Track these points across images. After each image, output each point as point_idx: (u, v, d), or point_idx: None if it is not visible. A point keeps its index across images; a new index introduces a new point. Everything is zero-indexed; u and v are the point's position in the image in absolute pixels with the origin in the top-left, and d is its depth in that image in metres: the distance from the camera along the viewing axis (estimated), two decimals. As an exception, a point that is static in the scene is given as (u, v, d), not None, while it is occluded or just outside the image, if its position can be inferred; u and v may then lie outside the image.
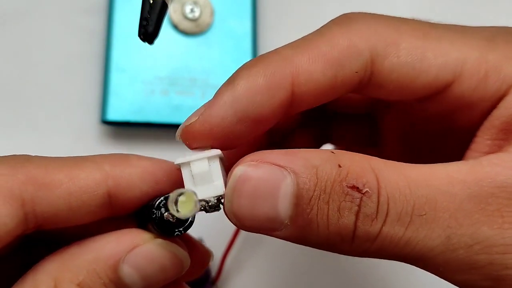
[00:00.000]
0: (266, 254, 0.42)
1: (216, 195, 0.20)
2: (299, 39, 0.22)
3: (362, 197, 0.19)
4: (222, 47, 0.43)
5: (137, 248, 0.20)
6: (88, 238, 0.21)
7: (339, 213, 0.19)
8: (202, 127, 0.21)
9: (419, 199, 0.19)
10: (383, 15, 0.23)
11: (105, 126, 0.41)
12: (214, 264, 0.39)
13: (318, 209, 0.19)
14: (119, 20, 0.42)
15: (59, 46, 0.43)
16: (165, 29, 0.41)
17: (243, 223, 0.20)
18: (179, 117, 0.40)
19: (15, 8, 0.43)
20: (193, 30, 0.42)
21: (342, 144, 0.33)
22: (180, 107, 0.40)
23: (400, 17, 0.23)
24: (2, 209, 0.19)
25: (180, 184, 0.21)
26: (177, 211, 0.19)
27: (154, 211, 0.21)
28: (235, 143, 0.22)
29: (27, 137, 0.41)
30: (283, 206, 0.19)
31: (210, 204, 0.20)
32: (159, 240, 0.21)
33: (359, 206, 0.19)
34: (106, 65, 0.41)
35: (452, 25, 0.23)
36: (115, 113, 0.39)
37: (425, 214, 0.19)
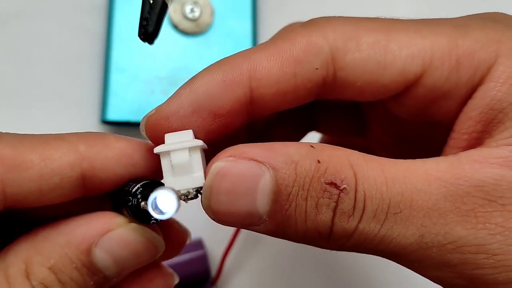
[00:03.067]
0: (266, 254, 0.42)
1: (195, 187, 0.20)
2: (264, 42, 0.22)
3: (339, 193, 0.19)
4: (222, 47, 0.43)
5: (110, 232, 0.20)
6: (61, 220, 0.21)
7: (317, 209, 0.19)
8: (159, 116, 0.21)
9: (394, 197, 0.19)
10: (347, 17, 0.22)
11: (105, 126, 0.41)
12: (214, 264, 0.39)
13: (296, 205, 0.19)
14: (119, 20, 0.42)
15: (59, 46, 0.43)
16: (165, 29, 0.41)
17: (221, 218, 0.20)
18: (179, 117, 0.40)
19: (15, 8, 0.43)
20: (193, 30, 0.42)
21: (328, 132, 0.32)
22: (180, 107, 0.40)
23: (363, 17, 0.22)
24: None
25: (158, 170, 0.21)
26: (157, 211, 0.19)
27: (130, 198, 0.20)
28: (195, 136, 0.21)
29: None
30: (262, 202, 0.19)
31: (189, 196, 0.20)
32: (133, 225, 0.21)
33: (337, 202, 0.19)
34: (106, 65, 0.41)
35: (422, 18, 0.22)
36: (115, 113, 0.39)
37: (400, 212, 0.19)
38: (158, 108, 0.21)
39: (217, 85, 0.21)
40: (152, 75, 0.41)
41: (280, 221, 0.19)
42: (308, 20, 0.22)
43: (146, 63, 0.41)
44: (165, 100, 0.21)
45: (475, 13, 0.23)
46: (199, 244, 0.39)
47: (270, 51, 0.21)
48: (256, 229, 0.20)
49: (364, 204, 0.19)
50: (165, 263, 0.37)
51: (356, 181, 0.19)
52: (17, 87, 0.42)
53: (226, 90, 0.21)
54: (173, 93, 0.21)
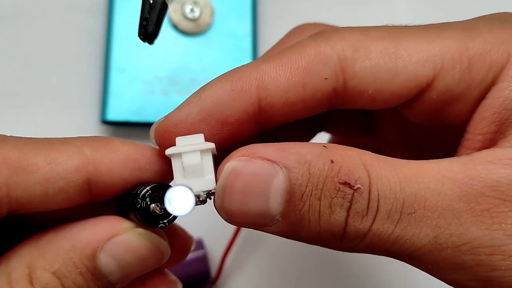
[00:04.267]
0: (266, 254, 0.42)
1: (207, 190, 0.20)
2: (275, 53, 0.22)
3: (353, 193, 0.19)
4: (222, 47, 0.42)
5: (116, 237, 0.20)
6: (65, 224, 0.20)
7: (331, 209, 0.19)
8: (168, 123, 0.21)
9: (408, 197, 0.19)
10: (355, 26, 0.22)
11: (105, 126, 0.41)
12: (214, 264, 0.39)
13: (310, 205, 0.19)
14: (119, 20, 0.42)
15: (59, 46, 0.43)
16: (165, 29, 0.41)
17: (234, 218, 0.20)
18: (179, 117, 0.40)
19: (15, 8, 0.43)
20: (193, 30, 0.42)
21: (338, 133, 0.32)
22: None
23: (371, 26, 0.22)
24: None
25: (165, 173, 0.21)
26: (173, 208, 0.18)
27: (138, 201, 0.20)
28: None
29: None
30: (275, 202, 0.19)
31: (200, 199, 0.20)
32: (140, 230, 0.20)
33: (351, 202, 0.19)
34: (106, 65, 0.41)
35: (429, 24, 0.22)
36: (115, 113, 0.39)
37: (414, 213, 0.19)
38: (168, 116, 0.21)
39: (226, 94, 0.21)
40: (152, 75, 0.41)
41: (293, 221, 0.19)
42: (317, 32, 0.22)
43: (146, 63, 0.41)
44: (175, 108, 0.22)
45: (472, 11, 0.23)
46: (199, 244, 0.39)
47: (278, 61, 0.21)
48: (269, 229, 0.20)
49: (378, 204, 0.19)
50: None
51: (370, 181, 0.19)
52: (17, 87, 0.42)
53: (234, 99, 0.21)
54: (182, 101, 0.22)
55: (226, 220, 0.20)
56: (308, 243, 0.20)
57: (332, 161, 0.19)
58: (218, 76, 0.22)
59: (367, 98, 0.21)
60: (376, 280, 0.43)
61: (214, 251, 0.40)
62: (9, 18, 0.43)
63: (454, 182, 0.19)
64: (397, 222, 0.19)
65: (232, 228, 0.38)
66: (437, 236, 0.19)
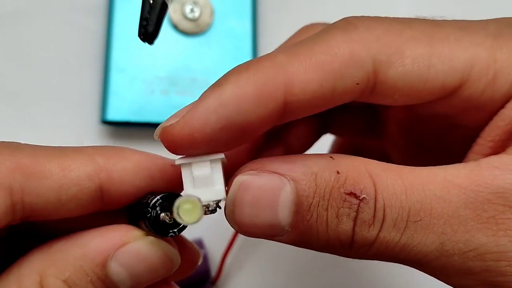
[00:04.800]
0: (266, 254, 0.42)
1: (216, 200, 0.20)
2: (296, 43, 0.21)
3: (359, 203, 0.19)
4: (222, 47, 0.42)
5: (127, 246, 0.20)
6: (76, 232, 0.20)
7: (338, 219, 0.19)
8: (183, 130, 0.19)
9: (414, 205, 0.19)
10: (385, 17, 0.22)
11: (105, 126, 0.41)
12: (214, 264, 0.39)
13: (317, 215, 0.19)
14: (119, 20, 0.42)
15: (59, 46, 0.43)
16: (165, 29, 0.41)
17: (245, 230, 0.20)
18: (179, 117, 0.40)
19: (15, 8, 0.43)
20: (193, 30, 0.42)
21: (344, 134, 0.32)
22: (180, 107, 0.40)
23: (402, 19, 0.22)
24: None
25: (176, 183, 0.21)
26: (181, 218, 0.18)
27: (149, 210, 0.20)
28: (217, 150, 0.20)
29: (28, 137, 0.40)
30: (284, 214, 0.19)
31: (209, 208, 0.20)
32: (151, 238, 0.20)
33: (357, 212, 0.19)
34: (106, 65, 0.41)
35: (457, 21, 0.22)
36: (115, 113, 0.39)
37: (420, 220, 0.19)
38: (183, 120, 0.20)
39: (249, 101, 0.19)
40: (152, 75, 0.41)
41: (303, 231, 0.20)
42: (345, 22, 0.21)
43: (146, 63, 0.41)
44: (188, 106, 0.20)
45: (475, 11, 0.23)
46: (199, 244, 0.39)
47: (308, 62, 0.20)
48: (280, 239, 0.20)
49: (384, 213, 0.19)
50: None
51: (375, 191, 0.19)
52: (17, 87, 0.42)
53: (258, 108, 0.19)
54: (198, 98, 0.20)
55: (237, 231, 0.21)
56: (319, 251, 0.21)
57: (338, 172, 0.19)
58: (238, 72, 0.20)
59: (391, 99, 0.21)
60: (377, 281, 0.43)
61: (214, 251, 0.40)
62: (9, 18, 0.43)
63: (460, 189, 0.19)
64: (404, 230, 0.19)
65: (232, 228, 0.38)
66: (443, 243, 0.19)
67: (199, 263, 0.25)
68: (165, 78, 0.41)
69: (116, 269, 0.20)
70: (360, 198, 0.19)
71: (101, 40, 0.43)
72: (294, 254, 0.42)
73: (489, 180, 0.19)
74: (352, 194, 0.19)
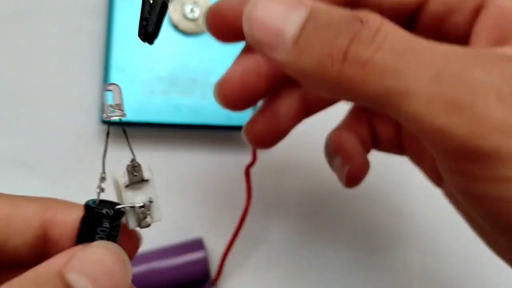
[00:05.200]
0: (266, 254, 0.42)
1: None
2: None
3: (362, 26, 0.20)
4: (222, 47, 0.42)
5: (77, 255, 0.20)
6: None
7: (337, 36, 0.20)
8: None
9: (414, 40, 0.20)
10: None
11: (105, 126, 0.41)
12: (214, 265, 0.39)
13: (320, 33, 0.20)
14: (119, 20, 0.42)
15: (59, 46, 0.43)
16: (165, 29, 0.41)
17: (252, 29, 0.21)
18: (179, 117, 0.40)
19: (14, 8, 0.43)
20: (193, 30, 0.42)
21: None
22: (180, 107, 0.40)
23: None
24: None
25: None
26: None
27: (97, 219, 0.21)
28: None
29: (28, 137, 0.41)
30: (292, 25, 0.21)
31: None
32: (96, 242, 0.20)
33: (358, 31, 0.20)
34: (106, 65, 0.41)
35: None
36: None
37: (418, 51, 0.20)
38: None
39: None
40: (152, 75, 0.41)
41: (302, 45, 0.20)
42: None
43: (146, 63, 0.41)
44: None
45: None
46: (199, 245, 0.39)
47: None
48: (276, 56, 0.21)
49: (384, 39, 0.20)
50: (168, 263, 0.37)
51: (381, 22, 0.20)
52: (17, 87, 0.42)
53: None
54: None
55: (245, 33, 0.22)
56: (307, 80, 0.21)
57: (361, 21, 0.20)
58: None
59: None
60: (378, 281, 0.43)
61: (214, 251, 0.40)
62: (8, 18, 0.43)
63: (460, 47, 0.20)
64: (400, 56, 0.19)
65: (232, 228, 0.38)
66: (438, 74, 0.19)
67: (139, 247, 0.24)
68: (165, 78, 0.41)
69: (75, 277, 0.19)
70: (363, 21, 0.20)
71: (101, 40, 0.43)
72: (295, 254, 0.42)
73: (485, 50, 0.21)
74: (358, 19, 0.20)
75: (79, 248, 0.20)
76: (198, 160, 0.42)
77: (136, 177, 0.22)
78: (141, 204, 0.22)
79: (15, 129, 0.41)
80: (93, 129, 0.41)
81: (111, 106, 0.22)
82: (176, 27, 0.42)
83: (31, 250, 0.22)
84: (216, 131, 0.43)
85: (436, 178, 0.30)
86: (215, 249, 0.40)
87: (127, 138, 0.23)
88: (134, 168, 0.22)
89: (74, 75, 0.43)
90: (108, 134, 0.23)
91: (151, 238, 0.39)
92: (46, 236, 0.22)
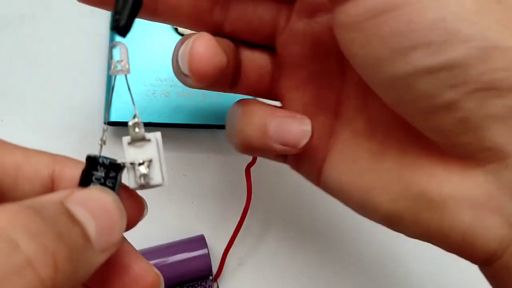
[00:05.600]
0: (267, 251, 0.42)
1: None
2: None
3: None
4: (222, 49, 0.43)
5: (75, 192, 0.20)
6: None
7: None
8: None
9: None
10: None
11: (108, 127, 0.42)
12: (215, 261, 0.40)
13: None
14: (121, 23, 0.42)
15: (63, 49, 0.44)
16: (166, 31, 0.42)
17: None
18: (180, 118, 0.41)
19: (19, 12, 0.44)
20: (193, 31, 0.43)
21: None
22: (180, 108, 0.41)
23: None
24: None
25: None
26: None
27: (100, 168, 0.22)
28: None
29: (33, 138, 0.41)
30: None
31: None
32: (95, 185, 0.21)
33: None
34: (109, 67, 0.41)
35: None
36: (117, 115, 0.40)
37: None
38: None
39: None
40: (153, 77, 0.41)
41: None
42: None
43: (147, 66, 0.41)
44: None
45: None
46: (201, 241, 0.39)
47: None
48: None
49: None
50: (171, 260, 0.37)
51: None
52: (22, 89, 0.43)
53: None
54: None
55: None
56: None
57: None
58: None
59: None
60: (377, 282, 0.43)
61: (215, 248, 0.41)
62: (13, 21, 0.44)
63: None
64: None
65: (233, 225, 0.38)
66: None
67: (145, 214, 0.24)
68: (167, 80, 0.41)
69: (75, 208, 0.19)
70: None
71: (105, 42, 0.44)
72: (295, 251, 0.42)
73: None
74: None
75: (77, 188, 0.21)
76: (199, 160, 0.43)
77: (137, 133, 0.23)
78: (140, 161, 0.23)
79: (20, 130, 0.41)
80: (97, 130, 0.42)
81: (117, 62, 0.23)
82: (176, 30, 0.43)
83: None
84: (216, 131, 0.43)
85: (316, 179, 0.30)
86: (216, 246, 0.41)
87: (129, 88, 0.24)
88: (135, 124, 0.23)
89: (78, 76, 0.43)
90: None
91: (155, 235, 0.40)
92: (53, 188, 0.22)
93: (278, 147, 0.26)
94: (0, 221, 0.15)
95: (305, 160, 0.29)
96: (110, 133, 0.42)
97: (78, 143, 0.42)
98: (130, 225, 0.23)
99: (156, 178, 0.23)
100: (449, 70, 0.20)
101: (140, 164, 0.23)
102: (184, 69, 0.25)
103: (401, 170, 0.25)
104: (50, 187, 0.22)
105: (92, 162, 0.22)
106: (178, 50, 0.27)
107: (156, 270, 0.23)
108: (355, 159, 0.27)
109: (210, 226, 0.41)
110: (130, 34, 0.42)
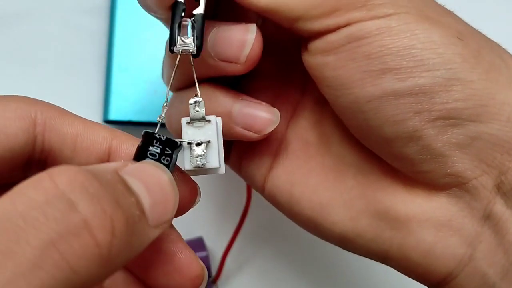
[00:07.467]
0: (266, 253, 0.42)
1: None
2: None
3: None
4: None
5: (133, 164, 0.19)
6: None
7: None
8: None
9: None
10: None
11: (108, 125, 0.42)
12: (214, 263, 0.40)
13: None
14: (121, 20, 0.42)
15: (61, 46, 0.43)
16: (166, 29, 0.42)
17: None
18: (181, 117, 0.40)
19: (17, 9, 0.43)
20: (195, 30, 0.42)
21: None
22: (182, 107, 0.41)
23: None
24: (15, 122, 0.20)
25: None
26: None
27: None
28: None
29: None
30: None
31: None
32: (149, 160, 0.21)
33: None
34: (108, 65, 0.41)
35: None
36: (117, 113, 0.40)
37: None
38: None
39: None
40: (154, 75, 0.41)
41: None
42: None
43: (148, 63, 0.41)
44: None
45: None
46: (200, 244, 0.39)
47: None
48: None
49: None
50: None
51: None
52: (20, 87, 0.42)
53: None
54: None
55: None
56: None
57: None
58: None
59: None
60: (377, 282, 0.43)
61: (214, 251, 0.40)
62: (11, 19, 0.43)
63: None
64: None
65: (232, 227, 0.38)
66: None
67: (197, 201, 0.23)
68: (167, 78, 0.41)
69: (131, 179, 0.18)
70: None
71: (104, 40, 0.43)
72: (295, 254, 0.42)
73: None
74: None
75: (132, 162, 0.20)
76: (199, 160, 0.43)
77: (197, 113, 0.22)
78: (198, 141, 0.22)
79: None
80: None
81: (182, 38, 0.22)
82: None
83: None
84: (217, 131, 0.43)
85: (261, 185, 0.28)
86: (215, 248, 0.40)
87: (193, 66, 0.23)
88: (196, 103, 0.22)
89: (76, 75, 0.43)
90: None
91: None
92: (108, 161, 0.21)
93: (238, 130, 0.25)
94: (59, 182, 0.15)
95: (250, 160, 0.28)
96: (109, 132, 0.42)
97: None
98: (181, 210, 0.22)
99: (213, 161, 0.22)
100: (415, 95, 0.21)
101: (198, 144, 0.22)
102: (231, 53, 0.24)
103: (364, 188, 0.25)
104: (106, 160, 0.21)
105: (149, 136, 0.21)
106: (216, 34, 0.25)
107: (201, 262, 0.22)
108: (307, 171, 0.27)
109: (209, 228, 0.41)
110: (132, 31, 0.42)
